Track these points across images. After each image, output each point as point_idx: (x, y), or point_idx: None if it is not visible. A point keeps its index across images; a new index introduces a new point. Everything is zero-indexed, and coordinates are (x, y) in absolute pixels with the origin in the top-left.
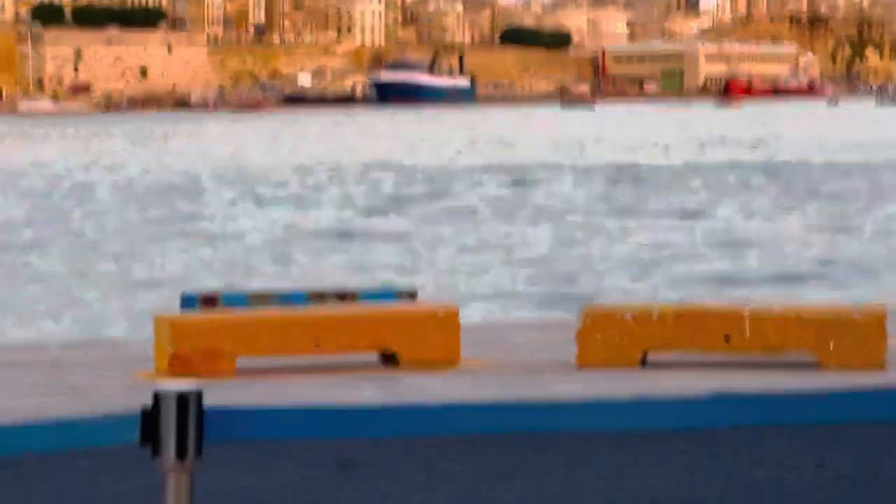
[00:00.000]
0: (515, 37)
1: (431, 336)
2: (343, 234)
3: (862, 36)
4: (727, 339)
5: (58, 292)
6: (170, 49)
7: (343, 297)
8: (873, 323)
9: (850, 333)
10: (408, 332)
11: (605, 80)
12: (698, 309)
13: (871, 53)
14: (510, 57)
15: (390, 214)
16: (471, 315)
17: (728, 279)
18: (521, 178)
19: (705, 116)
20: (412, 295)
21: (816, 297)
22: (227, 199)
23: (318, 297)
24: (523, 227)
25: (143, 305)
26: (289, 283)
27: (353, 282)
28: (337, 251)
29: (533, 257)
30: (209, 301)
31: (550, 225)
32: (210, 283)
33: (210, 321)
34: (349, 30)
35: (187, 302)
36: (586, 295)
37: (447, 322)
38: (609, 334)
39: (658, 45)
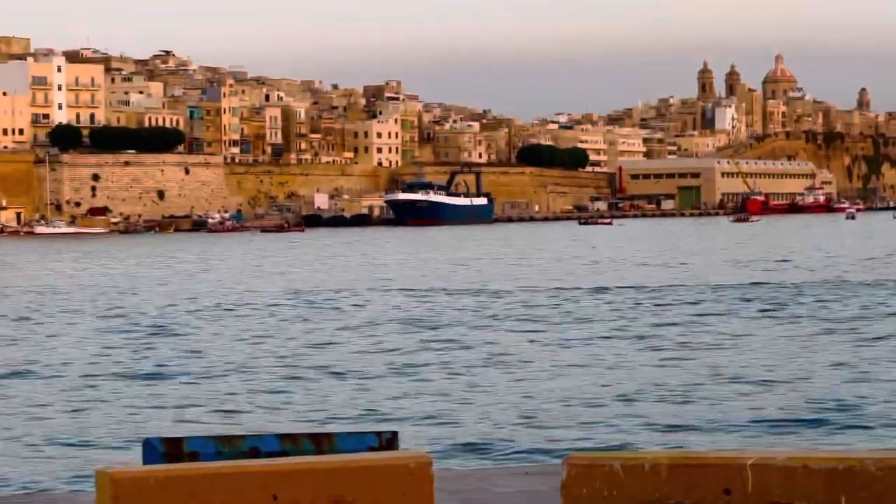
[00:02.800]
0: (532, 155)
1: (400, 490)
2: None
3: (878, 151)
4: (727, 492)
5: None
6: (187, 171)
7: (318, 441)
8: (891, 475)
9: (865, 487)
10: (374, 485)
11: (622, 198)
12: (695, 458)
13: (886, 169)
14: (527, 175)
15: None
16: (446, 464)
17: (727, 423)
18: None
19: (724, 231)
20: (391, 440)
21: (830, 444)
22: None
23: (292, 440)
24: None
25: (99, 453)
26: (280, 420)
27: (342, 421)
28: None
29: (516, 398)
30: (172, 447)
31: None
32: (186, 422)
33: (155, 475)
34: (366, 150)
35: (149, 447)
36: (573, 440)
37: (418, 474)
38: (596, 487)
39: (675, 162)
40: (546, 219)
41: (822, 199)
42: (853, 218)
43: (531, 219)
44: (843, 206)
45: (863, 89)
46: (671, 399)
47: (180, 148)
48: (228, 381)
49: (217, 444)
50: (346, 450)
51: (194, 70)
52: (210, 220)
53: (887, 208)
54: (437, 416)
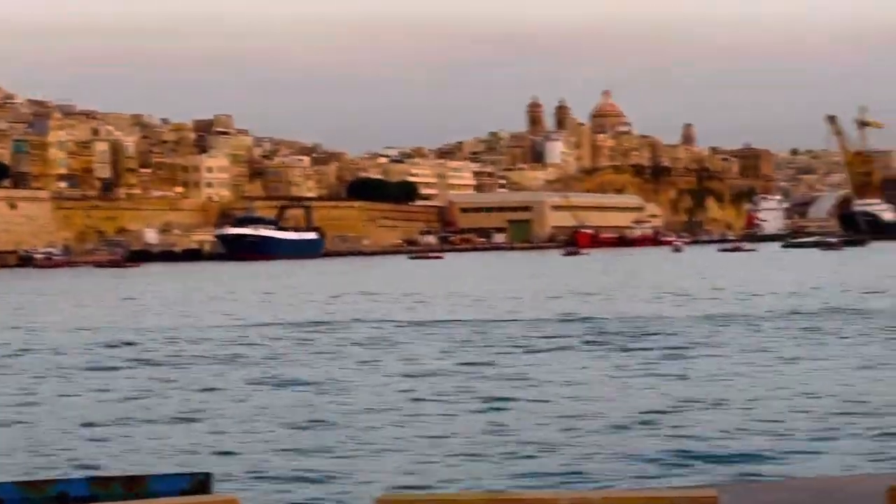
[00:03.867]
0: (362, 189)
1: None
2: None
3: (702, 185)
4: None
5: None
6: (13, 205)
7: (129, 485)
8: None
9: None
10: None
11: (452, 232)
12: (508, 498)
13: (711, 203)
14: (357, 209)
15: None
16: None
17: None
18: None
19: (553, 265)
20: (204, 483)
21: (662, 483)
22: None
23: (102, 484)
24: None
25: None
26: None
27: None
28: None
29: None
30: None
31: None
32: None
33: None
34: (196, 185)
35: None
36: (384, 481)
37: None
38: None
39: (505, 196)
40: (376, 253)
41: (649, 232)
42: (679, 251)
43: (361, 253)
44: (669, 239)
45: (688, 124)
46: (495, 440)
47: (6, 182)
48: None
49: (22, 489)
50: (159, 493)
51: (20, 103)
52: (36, 256)
53: (712, 241)
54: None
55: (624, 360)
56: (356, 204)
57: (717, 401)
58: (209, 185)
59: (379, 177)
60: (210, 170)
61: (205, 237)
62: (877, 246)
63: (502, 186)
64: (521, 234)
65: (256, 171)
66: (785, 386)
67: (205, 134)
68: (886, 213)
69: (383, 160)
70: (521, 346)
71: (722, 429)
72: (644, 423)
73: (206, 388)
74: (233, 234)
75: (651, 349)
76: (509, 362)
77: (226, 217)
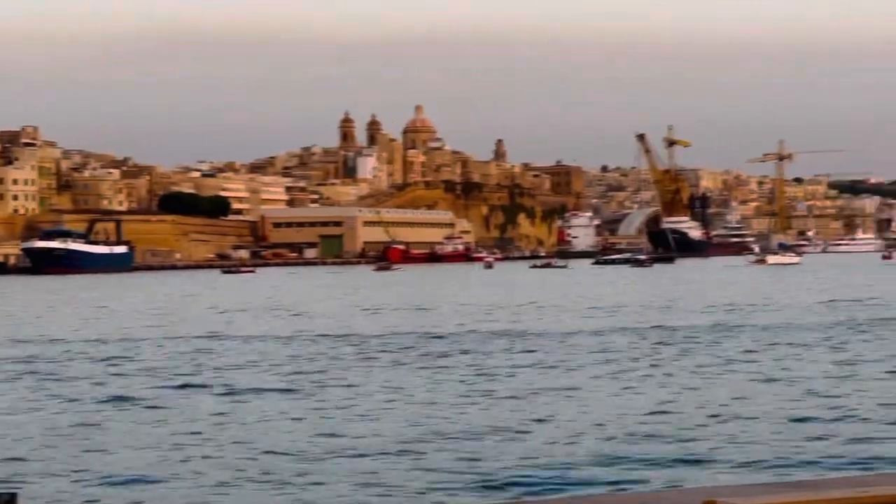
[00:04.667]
0: (173, 203)
1: None
2: None
3: (514, 201)
4: None
5: None
6: None
7: None
8: None
9: None
10: None
11: (264, 246)
12: None
13: (522, 219)
14: (168, 223)
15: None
16: None
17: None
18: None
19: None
20: (8, 502)
21: None
22: None
23: None
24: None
25: None
26: None
27: None
28: None
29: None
30: None
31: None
32: None
33: None
34: (1, 197)
35: None
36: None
37: None
38: None
39: (317, 211)
40: (188, 267)
41: (460, 248)
42: (490, 267)
43: (173, 267)
44: (481, 255)
45: (499, 140)
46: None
47: None
48: None
49: None
50: None
51: None
52: None
53: (523, 258)
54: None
55: (443, 375)
56: (168, 218)
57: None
58: (15, 197)
59: (191, 191)
60: (16, 182)
61: (10, 250)
62: (685, 263)
63: (314, 201)
64: (333, 249)
65: (65, 184)
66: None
67: (10, 146)
68: (694, 231)
69: (195, 174)
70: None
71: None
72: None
73: None
74: (39, 248)
75: (467, 365)
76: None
77: (32, 230)
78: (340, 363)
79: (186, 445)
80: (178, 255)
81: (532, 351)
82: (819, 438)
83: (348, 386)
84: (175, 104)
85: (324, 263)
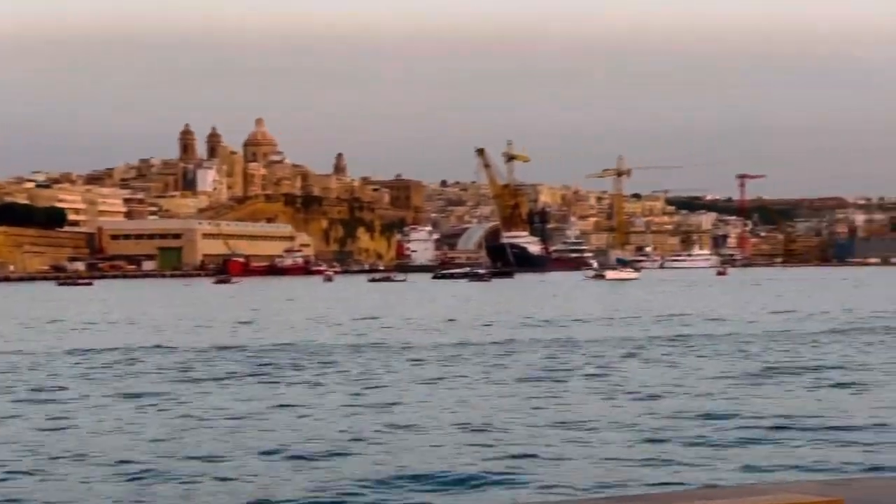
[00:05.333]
0: (7, 214)
1: None
2: None
3: (354, 215)
4: None
5: None
6: None
7: None
8: None
9: None
10: None
11: (102, 258)
12: None
13: (362, 233)
14: (2, 235)
15: None
16: None
17: None
18: None
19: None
20: None
21: None
22: None
23: None
24: None
25: None
26: None
27: None
28: None
29: None
30: None
31: None
32: None
33: None
34: None
35: None
36: None
37: None
38: None
39: (155, 223)
40: (23, 279)
41: (300, 261)
42: (330, 280)
43: (7, 279)
44: (320, 268)
45: (339, 154)
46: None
47: None
48: None
49: None
50: None
51: None
52: None
53: (362, 271)
54: None
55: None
56: (1, 229)
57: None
58: None
59: (25, 202)
60: None
61: None
62: (524, 277)
63: (153, 213)
64: (172, 261)
65: None
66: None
67: None
68: (533, 246)
69: (30, 185)
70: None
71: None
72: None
73: None
74: None
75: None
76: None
77: None
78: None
79: None
80: (11, 268)
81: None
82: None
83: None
84: (7, 111)
85: (162, 276)
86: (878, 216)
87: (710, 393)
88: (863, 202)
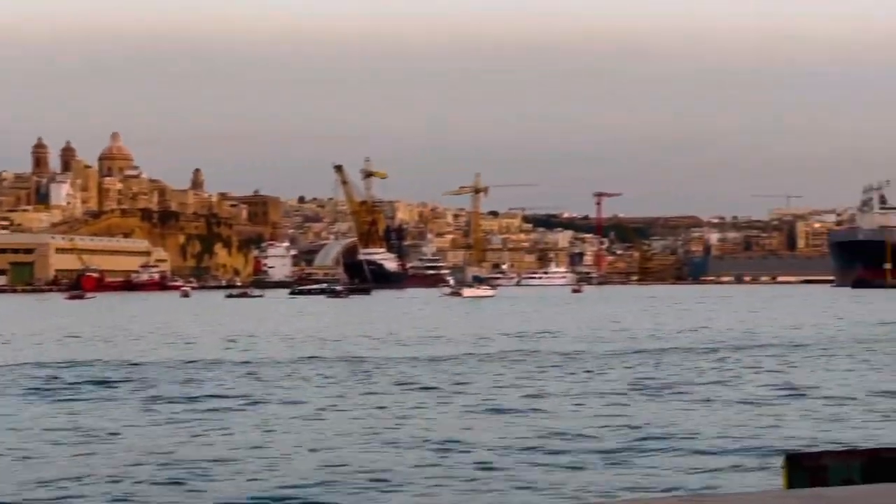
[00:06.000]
0: None
1: None
2: None
3: (211, 231)
4: None
5: None
6: None
7: None
8: None
9: None
10: None
11: None
12: None
13: (219, 248)
14: None
15: None
16: None
17: None
18: None
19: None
20: None
21: None
22: None
23: None
24: None
25: None
26: None
27: None
28: None
29: None
30: None
31: None
32: None
33: None
34: None
35: None
36: None
37: None
38: None
39: (7, 238)
40: None
41: (156, 276)
42: (187, 296)
43: None
44: (177, 283)
45: (197, 169)
46: None
47: None
48: None
49: None
50: None
51: None
52: None
53: (220, 287)
54: None
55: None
56: None
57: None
58: None
59: None
60: None
61: None
62: (381, 294)
63: (4, 228)
64: (23, 276)
65: None
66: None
67: None
68: (390, 262)
69: None
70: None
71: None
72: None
73: None
74: None
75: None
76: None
77: None
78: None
79: None
80: None
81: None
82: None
83: None
84: None
85: (14, 291)
86: (732, 235)
87: (573, 410)
88: (717, 221)
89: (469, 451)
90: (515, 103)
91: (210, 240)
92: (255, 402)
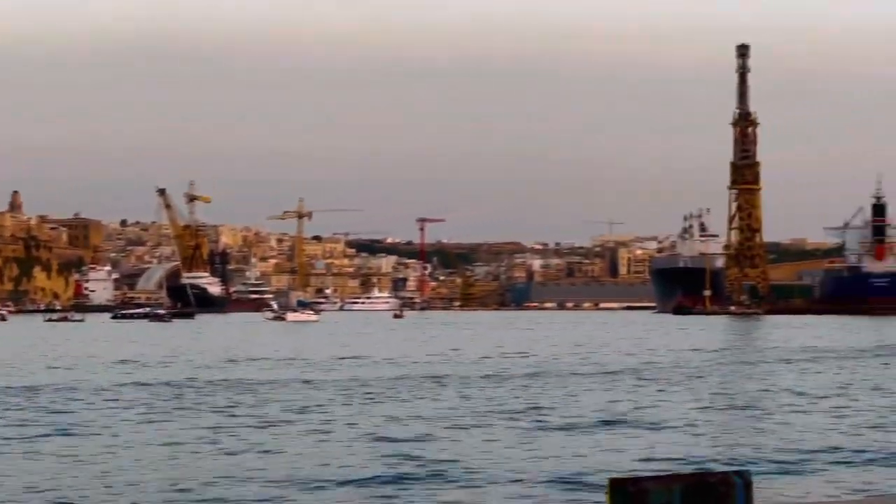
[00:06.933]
0: None
1: None
2: None
3: (30, 254)
4: None
5: None
6: None
7: None
8: None
9: None
10: None
11: None
12: None
13: (38, 272)
14: None
15: None
16: None
17: None
18: None
19: None
20: None
21: None
22: None
23: None
24: None
25: None
26: None
27: None
28: None
29: None
30: None
31: None
32: None
33: None
34: None
35: None
36: None
37: None
38: None
39: None
40: None
41: None
42: (4, 320)
43: None
44: None
45: (15, 192)
46: None
47: None
48: None
49: None
50: None
51: None
52: None
53: (39, 311)
54: None
55: None
56: None
57: None
58: None
59: None
60: None
61: None
62: (205, 318)
63: None
64: None
65: None
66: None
67: None
68: (214, 287)
69: None
70: None
71: None
72: None
73: None
74: None
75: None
76: None
77: None
78: None
79: None
80: None
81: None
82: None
83: None
84: None
85: None
86: (555, 261)
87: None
88: (540, 247)
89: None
90: (339, 129)
91: (28, 263)
92: None
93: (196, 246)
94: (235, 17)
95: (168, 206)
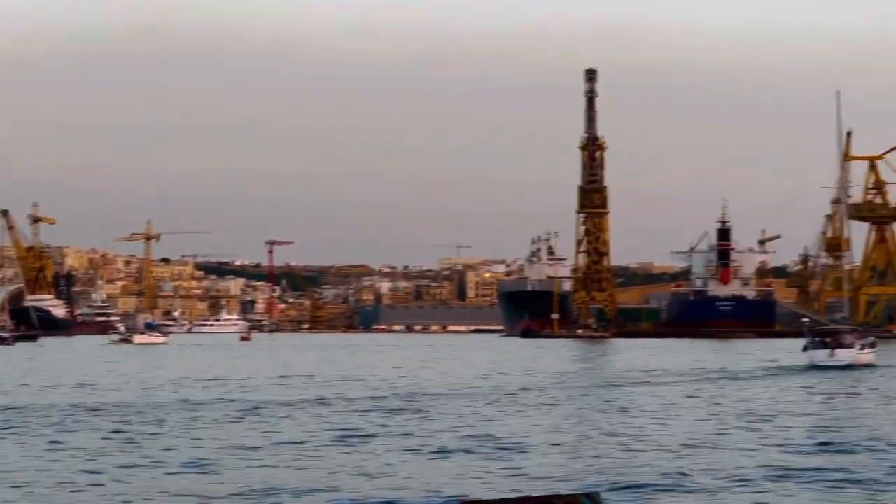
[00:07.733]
0: None
1: None
2: None
3: None
4: None
5: None
6: None
7: None
8: None
9: None
10: None
11: None
12: None
13: None
14: None
15: None
16: None
17: None
18: None
19: None
20: None
21: None
22: None
23: None
24: None
25: None
26: None
27: None
28: None
29: None
30: None
31: None
32: None
33: None
34: None
35: None
36: None
37: None
38: None
39: None
40: None
41: None
42: None
43: None
44: None
45: None
46: None
47: None
48: None
49: None
50: None
51: None
52: None
53: None
54: None
55: None
56: None
57: None
58: None
59: None
60: None
61: None
62: (49, 341)
63: None
64: None
65: None
66: None
67: None
68: (58, 309)
69: None
70: None
71: None
72: None
73: None
74: None
75: None
76: None
77: None
78: None
79: None
80: None
81: None
82: None
83: None
84: None
85: None
86: (403, 284)
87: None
88: (388, 270)
89: None
90: (188, 151)
91: None
92: None
93: (40, 268)
94: None
95: (11, 228)
